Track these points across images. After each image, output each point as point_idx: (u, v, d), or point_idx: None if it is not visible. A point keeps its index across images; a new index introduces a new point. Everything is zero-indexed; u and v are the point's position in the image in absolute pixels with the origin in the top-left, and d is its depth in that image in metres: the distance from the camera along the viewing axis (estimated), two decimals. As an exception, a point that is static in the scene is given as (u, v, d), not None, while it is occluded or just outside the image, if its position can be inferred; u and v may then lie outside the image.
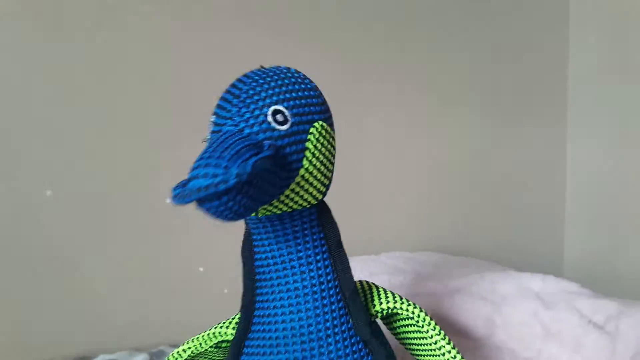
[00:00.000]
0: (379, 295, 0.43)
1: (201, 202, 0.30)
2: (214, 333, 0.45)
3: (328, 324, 0.38)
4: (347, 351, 0.38)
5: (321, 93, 0.40)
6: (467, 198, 1.23)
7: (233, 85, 0.38)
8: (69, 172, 0.88)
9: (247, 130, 0.35)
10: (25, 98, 0.85)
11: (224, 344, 0.45)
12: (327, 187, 0.40)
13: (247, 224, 0.40)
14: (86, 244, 0.89)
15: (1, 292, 0.85)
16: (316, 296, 0.38)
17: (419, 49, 1.15)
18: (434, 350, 0.42)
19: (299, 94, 0.38)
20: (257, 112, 0.35)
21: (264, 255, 0.39)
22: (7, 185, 0.84)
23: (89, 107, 0.88)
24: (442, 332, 0.42)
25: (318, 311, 0.38)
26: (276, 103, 0.36)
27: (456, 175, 1.21)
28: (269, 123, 0.35)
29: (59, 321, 0.89)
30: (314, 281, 0.38)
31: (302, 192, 0.37)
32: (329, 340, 0.38)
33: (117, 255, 0.91)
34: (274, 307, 0.39)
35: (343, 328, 0.39)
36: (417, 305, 0.43)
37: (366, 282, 0.45)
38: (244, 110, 0.35)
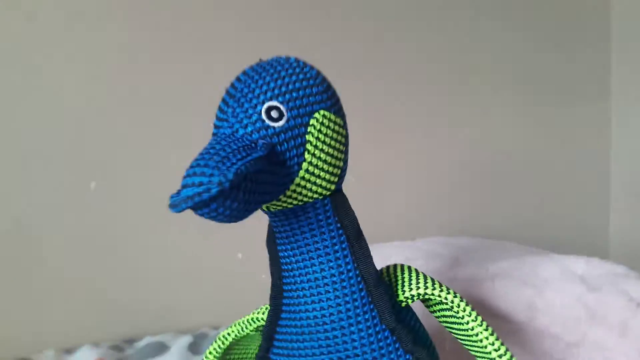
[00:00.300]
0: (409, 280, 0.42)
1: (194, 209, 0.30)
2: (252, 318, 0.46)
3: (350, 313, 0.38)
4: (372, 339, 0.38)
5: (324, 79, 0.39)
6: (508, 182, 1.20)
7: (231, 85, 0.37)
8: (111, 165, 0.90)
9: (241, 132, 0.35)
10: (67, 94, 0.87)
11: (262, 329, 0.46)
12: (340, 176, 0.39)
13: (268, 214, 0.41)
14: (130, 231, 0.92)
15: (54, 274, 0.88)
16: (336, 286, 0.38)
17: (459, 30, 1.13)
18: (472, 336, 0.41)
19: (296, 85, 0.36)
20: (250, 112, 0.35)
21: (284, 247, 0.39)
22: (53, 178, 0.87)
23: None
24: (479, 317, 0.40)
25: (339, 300, 0.38)
26: (270, 99, 0.35)
27: (497, 159, 1.19)
28: (263, 121, 0.35)
29: (105, 303, 0.92)
30: (333, 271, 0.38)
31: (309, 186, 0.37)
32: (352, 329, 0.38)
33: (161, 241, 0.94)
34: (298, 296, 0.39)
35: (367, 317, 0.38)
36: (451, 291, 0.41)
37: (395, 266, 0.44)
38: (238, 110, 0.35)
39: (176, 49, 0.94)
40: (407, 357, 0.39)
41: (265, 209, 0.39)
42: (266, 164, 0.33)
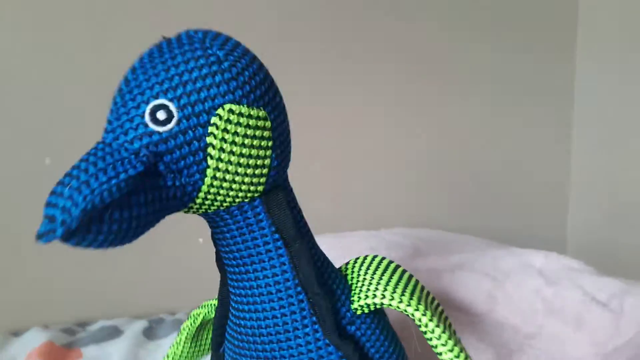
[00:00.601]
0: (369, 284, 0.36)
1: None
2: (215, 304, 0.44)
3: (288, 326, 0.34)
4: (313, 355, 0.34)
5: (237, 60, 0.31)
6: (468, 181, 1.22)
7: (124, 77, 0.31)
8: (67, 141, 0.87)
9: (121, 139, 0.29)
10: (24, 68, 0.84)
11: None
12: (270, 175, 0.32)
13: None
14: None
15: (7, 257, 0.85)
16: (272, 296, 0.34)
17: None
18: (437, 353, 0.35)
19: (193, 74, 0.29)
20: (132, 113, 0.29)
21: (222, 249, 0.35)
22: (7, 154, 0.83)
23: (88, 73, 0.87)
24: (445, 335, 0.34)
25: (275, 312, 0.34)
26: (156, 96, 0.29)
27: (456, 158, 1.20)
28: (146, 126, 0.29)
29: (57, 284, 0.89)
30: (268, 280, 0.34)
31: (223, 192, 0.31)
32: (290, 343, 0.34)
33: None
34: (240, 302, 0.35)
35: (307, 330, 0.34)
36: (413, 302, 0.34)
37: (362, 263, 0.38)
38: (121, 111, 0.29)
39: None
40: None
41: (188, 212, 0.33)
42: (146, 182, 0.28)
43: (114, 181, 0.26)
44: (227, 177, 0.30)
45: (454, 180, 1.20)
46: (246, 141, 0.30)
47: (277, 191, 0.34)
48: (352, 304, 0.36)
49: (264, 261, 0.34)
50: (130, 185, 0.26)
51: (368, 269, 0.38)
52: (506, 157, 1.26)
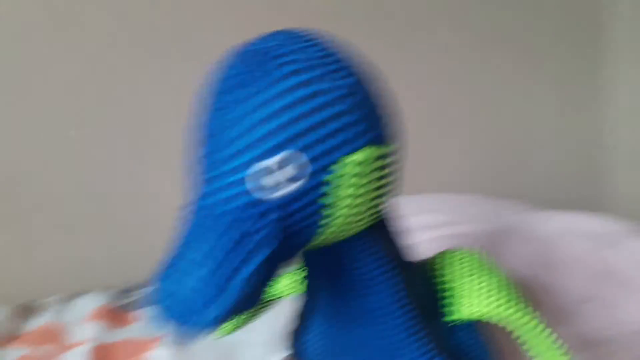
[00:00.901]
0: (469, 298, 0.34)
1: None
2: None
3: (395, 346, 0.32)
4: None
5: (358, 82, 0.25)
6: (506, 148, 1.19)
7: (205, 111, 0.25)
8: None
9: (231, 205, 0.23)
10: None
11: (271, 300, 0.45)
12: (382, 209, 0.30)
13: None
14: (142, 173, 0.91)
15: (65, 224, 0.88)
16: (379, 319, 0.32)
17: None
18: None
19: (314, 116, 0.22)
20: (239, 174, 0.23)
21: (321, 274, 0.33)
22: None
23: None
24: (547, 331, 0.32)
25: (383, 333, 0.33)
26: (271, 151, 0.22)
27: (495, 126, 1.17)
28: (262, 189, 0.23)
29: (113, 251, 0.92)
30: (376, 304, 0.32)
31: (335, 236, 0.28)
32: None
33: (170, 186, 0.93)
34: (340, 321, 0.34)
35: (412, 348, 0.33)
36: (522, 310, 0.32)
37: (443, 266, 0.36)
38: (224, 169, 0.23)
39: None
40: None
41: None
42: (273, 256, 0.24)
43: (246, 271, 0.23)
44: (345, 224, 0.27)
45: (493, 147, 1.18)
46: (370, 187, 0.26)
47: (387, 220, 0.32)
48: (453, 314, 0.34)
49: (373, 286, 0.32)
50: (262, 268, 0.23)
51: (462, 271, 0.35)
52: (542, 125, 1.22)
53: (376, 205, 0.27)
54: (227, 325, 0.45)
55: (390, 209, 0.32)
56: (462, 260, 0.35)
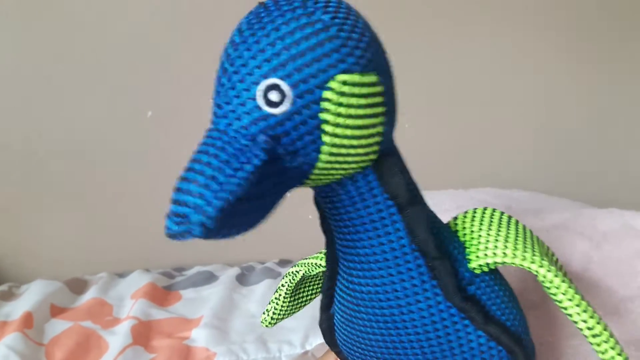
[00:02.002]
0: (486, 241, 0.34)
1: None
2: (314, 263, 0.44)
3: (407, 292, 0.33)
4: (435, 318, 0.33)
5: (344, 22, 0.28)
6: (555, 143, 1.16)
7: (224, 52, 0.29)
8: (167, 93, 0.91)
9: (235, 125, 0.27)
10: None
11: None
12: (381, 142, 0.31)
13: None
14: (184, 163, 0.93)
15: (110, 199, 0.91)
16: (388, 263, 0.33)
17: None
18: (562, 309, 0.34)
19: (301, 46, 0.27)
20: (244, 96, 0.27)
21: (332, 219, 0.34)
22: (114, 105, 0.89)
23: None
24: (572, 290, 0.32)
25: (393, 278, 0.33)
26: (266, 75, 0.27)
27: (543, 120, 1.14)
28: (259, 108, 0.27)
29: (157, 233, 0.95)
30: (384, 247, 0.32)
31: (337, 166, 0.29)
32: (411, 307, 0.33)
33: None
34: (352, 268, 0.34)
35: (427, 295, 0.33)
36: (538, 257, 0.33)
37: (473, 217, 0.37)
38: (230, 94, 0.27)
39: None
40: (479, 333, 0.34)
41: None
42: (269, 168, 0.27)
43: (240, 174, 0.25)
44: (342, 151, 0.29)
45: (541, 142, 1.15)
46: (360, 111, 0.28)
47: (387, 157, 0.32)
48: (469, 262, 0.34)
49: (377, 229, 0.32)
50: (257, 176, 0.25)
51: (482, 224, 0.36)
52: (594, 119, 1.19)
53: (371, 135, 0.29)
54: (273, 315, 0.47)
55: (395, 148, 0.33)
56: (484, 214, 0.36)
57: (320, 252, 0.44)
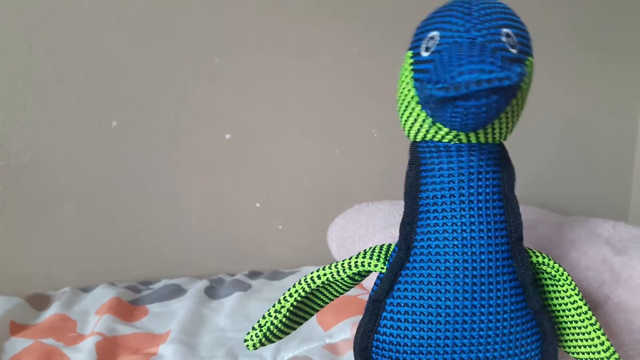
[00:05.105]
0: (532, 249, 0.42)
1: (470, 97, 0.29)
2: (355, 262, 0.41)
3: (496, 263, 0.37)
4: (507, 293, 0.38)
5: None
6: (527, 149, 1.18)
7: (456, 5, 0.36)
8: (133, 105, 0.89)
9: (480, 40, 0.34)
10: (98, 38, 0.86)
11: (358, 277, 0.44)
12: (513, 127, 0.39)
13: (416, 148, 0.39)
14: (150, 174, 0.92)
15: (73, 212, 0.89)
16: (482, 234, 0.37)
17: None
18: (569, 305, 0.42)
19: (519, 25, 0.36)
20: (492, 30, 0.34)
21: (431, 187, 0.38)
22: (78, 117, 0.86)
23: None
24: (577, 288, 0.41)
25: (489, 248, 0.37)
26: (506, 26, 0.35)
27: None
28: (504, 43, 0.34)
29: (123, 245, 0.92)
30: (482, 219, 0.37)
31: (503, 125, 0.36)
32: (498, 279, 0.37)
33: (179, 187, 0.93)
34: (443, 238, 0.37)
35: (505, 270, 0.38)
36: (557, 262, 0.42)
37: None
38: (479, 26, 0.34)
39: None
40: (530, 317, 0.39)
41: (431, 140, 0.38)
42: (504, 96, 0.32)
43: (523, 66, 0.34)
44: (514, 112, 0.37)
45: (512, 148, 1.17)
46: (526, 93, 0.37)
47: (504, 145, 0.39)
48: (529, 257, 0.41)
49: (480, 202, 0.37)
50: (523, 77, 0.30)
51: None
52: (569, 124, 1.22)
53: (519, 114, 0.38)
54: (267, 333, 0.42)
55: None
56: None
57: (369, 249, 0.42)
